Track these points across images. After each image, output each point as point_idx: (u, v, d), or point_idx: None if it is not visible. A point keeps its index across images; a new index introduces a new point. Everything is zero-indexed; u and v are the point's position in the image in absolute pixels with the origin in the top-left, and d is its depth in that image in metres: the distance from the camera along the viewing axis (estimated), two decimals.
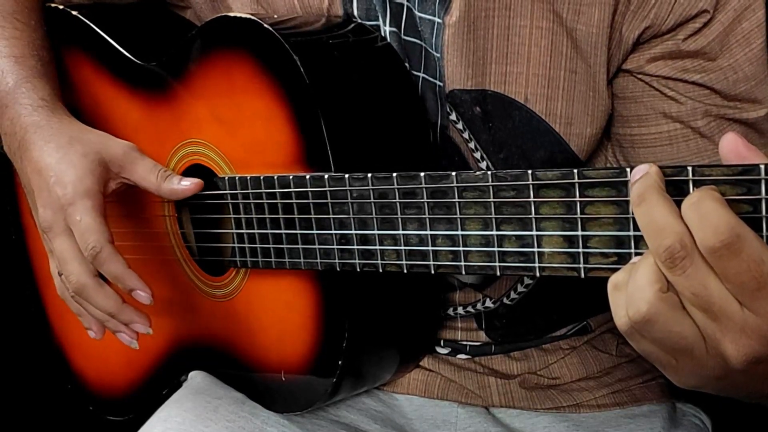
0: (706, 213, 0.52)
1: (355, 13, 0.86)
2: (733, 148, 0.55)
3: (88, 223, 0.83)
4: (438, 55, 0.83)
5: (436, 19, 0.83)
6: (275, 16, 0.86)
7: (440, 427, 0.94)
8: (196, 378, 0.96)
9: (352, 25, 0.85)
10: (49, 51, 0.97)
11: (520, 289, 0.92)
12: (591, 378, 0.96)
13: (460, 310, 0.93)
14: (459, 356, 0.95)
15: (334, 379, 0.83)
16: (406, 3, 0.84)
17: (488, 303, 0.92)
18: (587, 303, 0.96)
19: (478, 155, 0.85)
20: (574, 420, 0.93)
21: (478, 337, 0.95)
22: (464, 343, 0.95)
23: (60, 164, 0.85)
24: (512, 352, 0.96)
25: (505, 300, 0.93)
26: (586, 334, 0.97)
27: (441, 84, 0.84)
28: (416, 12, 0.84)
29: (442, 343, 0.95)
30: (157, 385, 1.02)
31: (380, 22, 0.85)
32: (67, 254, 0.85)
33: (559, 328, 0.96)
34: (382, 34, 0.85)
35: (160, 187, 0.86)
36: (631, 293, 0.56)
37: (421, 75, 0.85)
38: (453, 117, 0.84)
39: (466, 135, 0.85)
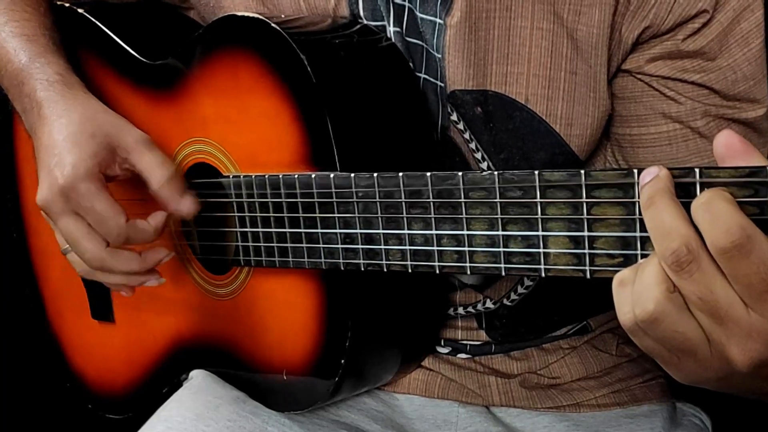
0: (717, 213, 0.52)
1: (362, 13, 0.86)
2: (726, 142, 0.55)
3: (101, 209, 0.82)
4: (439, 55, 0.83)
5: (438, 20, 0.83)
6: (282, 16, 0.86)
7: (441, 427, 0.94)
8: (197, 377, 0.96)
9: (358, 26, 0.86)
10: (58, 33, 0.96)
11: (520, 290, 0.93)
12: (591, 377, 0.96)
13: (461, 310, 0.93)
14: (459, 356, 0.95)
15: (336, 378, 0.83)
16: (407, 4, 0.84)
17: (488, 304, 0.93)
18: (587, 303, 0.96)
19: (479, 156, 0.86)
20: (575, 419, 0.94)
21: (478, 336, 0.95)
22: (465, 342, 0.95)
23: (66, 142, 0.83)
24: (512, 352, 0.96)
25: (505, 301, 0.93)
26: (586, 334, 0.97)
27: (442, 85, 0.84)
28: (417, 13, 0.84)
29: (442, 343, 0.95)
30: (158, 383, 1.02)
31: (386, 23, 0.85)
32: (76, 234, 0.84)
33: (559, 328, 0.96)
34: (388, 35, 0.85)
35: (161, 184, 0.84)
36: (638, 292, 0.56)
37: (423, 76, 0.85)
38: (454, 117, 0.85)
39: (467, 135, 0.85)
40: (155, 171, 0.84)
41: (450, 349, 0.95)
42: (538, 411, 0.95)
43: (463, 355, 0.95)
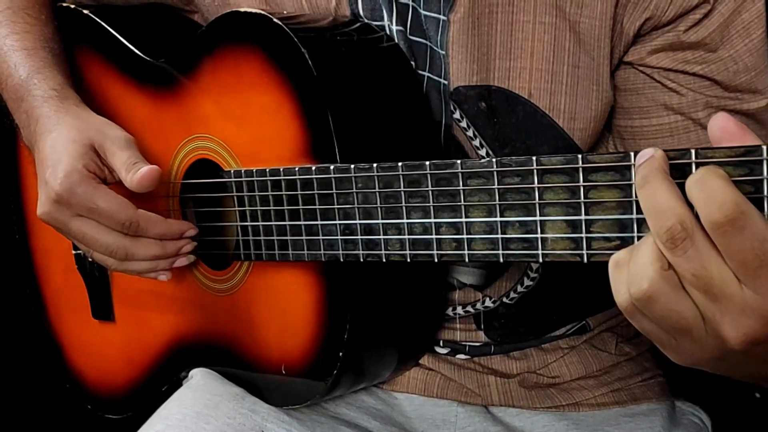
0: (712, 189, 0.53)
1: (361, 12, 0.87)
2: (721, 125, 0.56)
3: (106, 206, 0.83)
4: (443, 52, 0.84)
5: (441, 17, 0.84)
6: (284, 13, 0.87)
7: (440, 426, 0.94)
8: (196, 376, 0.96)
9: (359, 24, 0.87)
10: (59, 44, 0.98)
11: (520, 289, 0.93)
12: (590, 377, 0.96)
13: (460, 309, 0.93)
14: (458, 356, 0.95)
15: (335, 371, 0.83)
16: (411, 2, 0.85)
17: (488, 303, 0.93)
18: (586, 302, 0.97)
19: (483, 152, 0.86)
20: (574, 419, 0.93)
21: (477, 337, 0.95)
22: (464, 343, 0.95)
23: (55, 153, 0.85)
24: (511, 352, 0.96)
25: (504, 299, 0.93)
26: (585, 334, 0.97)
27: (446, 82, 0.85)
28: (421, 10, 0.85)
29: (441, 344, 0.95)
30: (157, 382, 1.02)
31: (386, 22, 0.86)
32: (92, 233, 0.85)
33: (558, 328, 0.96)
34: (388, 34, 0.86)
35: (125, 180, 0.85)
36: (633, 271, 0.56)
37: (426, 74, 0.86)
38: (457, 115, 0.85)
39: (470, 133, 0.86)
40: (121, 170, 0.85)
41: (449, 350, 0.96)
42: (537, 410, 0.94)
43: (462, 356, 0.95)
